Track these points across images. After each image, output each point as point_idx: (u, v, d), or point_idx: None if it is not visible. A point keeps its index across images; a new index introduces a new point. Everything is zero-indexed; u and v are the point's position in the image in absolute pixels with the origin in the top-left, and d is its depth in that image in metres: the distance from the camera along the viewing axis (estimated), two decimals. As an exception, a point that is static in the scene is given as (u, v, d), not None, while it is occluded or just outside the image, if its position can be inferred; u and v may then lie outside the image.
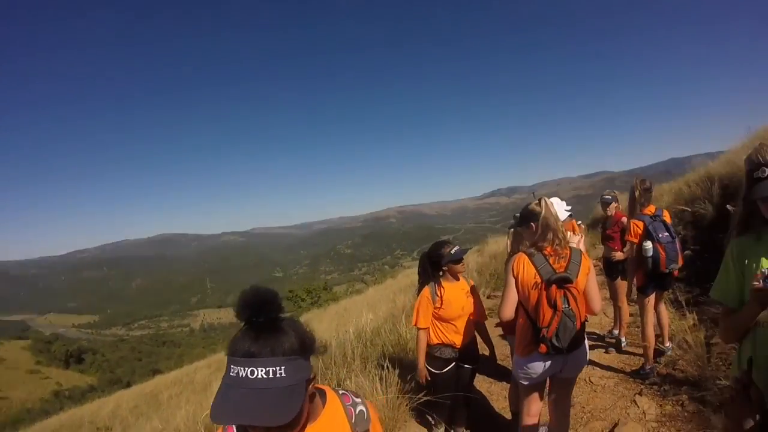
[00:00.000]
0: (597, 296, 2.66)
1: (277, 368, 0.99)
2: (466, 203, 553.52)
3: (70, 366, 69.77)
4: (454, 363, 3.34)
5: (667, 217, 4.04)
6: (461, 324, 3.30)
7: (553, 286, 2.42)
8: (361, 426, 1.28)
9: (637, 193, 4.03)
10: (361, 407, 1.32)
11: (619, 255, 4.93)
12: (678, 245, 3.91)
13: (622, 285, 5.01)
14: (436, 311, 3.25)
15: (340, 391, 1.32)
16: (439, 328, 3.29)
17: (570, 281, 2.45)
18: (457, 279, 3.34)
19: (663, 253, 3.82)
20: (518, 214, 8.08)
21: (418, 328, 3.29)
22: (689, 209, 7.40)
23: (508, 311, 2.65)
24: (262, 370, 0.97)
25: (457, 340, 3.30)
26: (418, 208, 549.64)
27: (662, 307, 4.38)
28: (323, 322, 12.24)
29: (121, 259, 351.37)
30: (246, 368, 0.97)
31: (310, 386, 1.09)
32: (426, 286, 3.30)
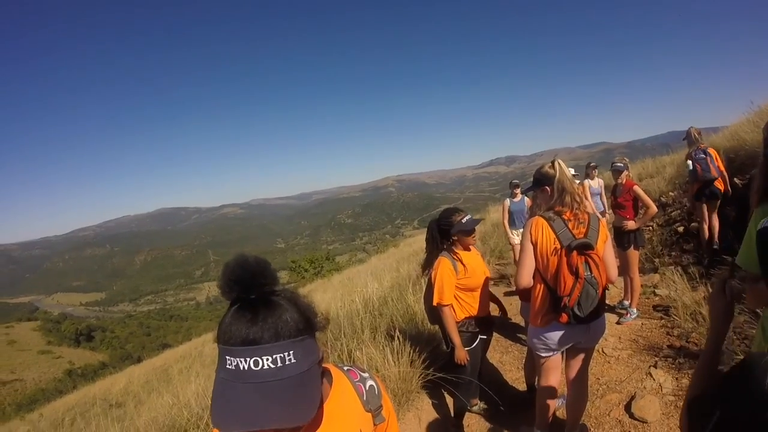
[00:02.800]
0: (614, 264, 2.55)
1: (286, 354, 0.79)
2: (465, 172, 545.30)
3: (80, 344, 70.91)
4: (478, 337, 3.16)
5: (713, 152, 5.53)
6: (484, 292, 3.11)
7: (574, 252, 2.29)
8: (373, 403, 1.10)
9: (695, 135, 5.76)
10: (370, 382, 1.13)
11: (631, 224, 4.76)
12: (710, 161, 5.44)
13: (633, 255, 4.87)
14: (461, 282, 2.98)
15: (345, 368, 1.14)
16: (463, 301, 3.04)
17: (591, 247, 2.33)
18: (468, 251, 3.11)
19: (699, 166, 5.43)
20: (515, 181, 7.82)
21: (443, 306, 2.95)
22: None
23: (526, 278, 2.50)
24: (268, 360, 0.78)
25: (480, 310, 3.10)
26: (417, 177, 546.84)
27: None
28: (327, 292, 12.25)
29: (122, 236, 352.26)
30: (248, 359, 0.77)
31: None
32: (442, 257, 3.01)
